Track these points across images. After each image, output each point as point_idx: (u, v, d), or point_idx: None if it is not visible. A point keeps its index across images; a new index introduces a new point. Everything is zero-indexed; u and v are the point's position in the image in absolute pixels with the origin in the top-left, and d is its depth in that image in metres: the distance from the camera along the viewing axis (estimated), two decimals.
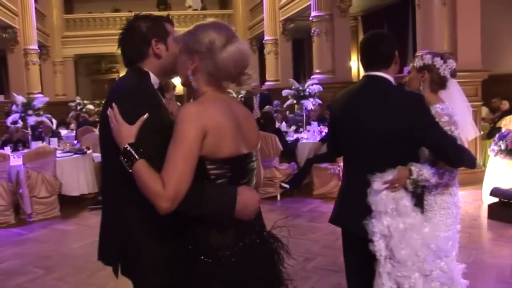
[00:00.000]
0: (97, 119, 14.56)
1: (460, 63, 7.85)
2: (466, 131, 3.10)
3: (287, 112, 12.25)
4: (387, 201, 2.48)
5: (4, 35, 15.33)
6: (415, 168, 2.51)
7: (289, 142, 8.29)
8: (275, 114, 10.47)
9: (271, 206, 7.23)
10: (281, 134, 8.02)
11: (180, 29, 2.02)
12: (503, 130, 6.98)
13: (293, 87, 9.27)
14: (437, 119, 2.61)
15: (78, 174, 7.68)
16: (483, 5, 8.52)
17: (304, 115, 9.28)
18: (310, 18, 13.13)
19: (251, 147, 1.92)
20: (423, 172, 2.52)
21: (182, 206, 1.74)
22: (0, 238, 6.27)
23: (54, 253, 5.61)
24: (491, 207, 6.17)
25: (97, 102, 18.03)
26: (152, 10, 20.62)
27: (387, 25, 15.21)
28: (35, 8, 16.94)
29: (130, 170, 1.78)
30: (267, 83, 17.82)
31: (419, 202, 2.64)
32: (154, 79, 2.04)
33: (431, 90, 2.93)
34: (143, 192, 1.76)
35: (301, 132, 9.12)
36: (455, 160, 2.50)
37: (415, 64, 3.02)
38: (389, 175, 2.47)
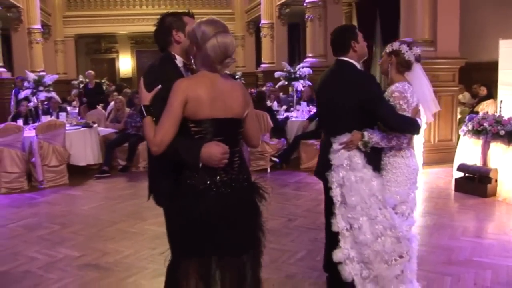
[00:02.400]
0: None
1: (439, 51, 8.61)
2: (428, 106, 3.72)
3: (281, 93, 12.94)
4: (343, 158, 3.24)
5: (8, 14, 15.70)
6: (367, 133, 3.24)
7: (279, 120, 9.01)
8: (270, 95, 11.19)
9: (261, 177, 7.89)
10: (272, 112, 8.74)
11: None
12: (480, 114, 7.60)
13: (285, 69, 9.95)
14: (389, 95, 3.33)
15: (85, 146, 8.35)
16: None
17: (295, 96, 9.96)
18: (304, 4, 13.73)
19: (233, 113, 2.54)
20: (373, 136, 3.24)
21: (167, 151, 2.43)
22: (16, 201, 6.95)
23: (66, 213, 6.32)
24: (457, 181, 6.89)
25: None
26: None
27: (379, 12, 15.74)
28: None
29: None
30: (262, 65, 18.40)
31: (377, 162, 3.36)
32: (179, 59, 2.71)
33: (397, 72, 3.58)
34: (145, 138, 2.51)
35: (291, 111, 9.81)
36: (396, 127, 3.25)
37: (386, 49, 3.70)
38: (345, 137, 3.21)
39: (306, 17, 13.62)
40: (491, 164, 6.55)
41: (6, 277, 4.23)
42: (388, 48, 3.62)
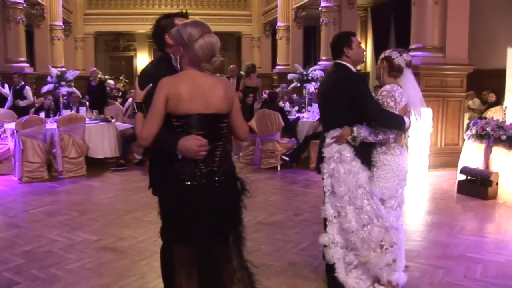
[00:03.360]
0: (116, 94, 15.58)
1: (447, 57, 8.86)
2: (417, 107, 3.99)
3: (295, 94, 13.23)
4: (333, 151, 3.60)
5: (32, 11, 16.23)
6: (356, 128, 3.57)
7: (291, 120, 9.31)
8: (283, 96, 11.53)
9: (271, 175, 8.25)
10: (283, 113, 9.05)
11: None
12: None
13: (298, 71, 10.27)
14: (379, 94, 3.65)
15: (103, 139, 8.72)
16: (475, 5, 9.34)
17: (307, 97, 10.25)
18: (320, 8, 14.01)
19: (214, 109, 2.70)
20: (361, 131, 3.56)
21: (153, 143, 2.68)
22: (37, 189, 7.32)
23: (84, 201, 6.67)
24: (460, 183, 7.13)
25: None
26: None
27: (394, 18, 16.02)
28: None
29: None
30: (277, 67, 18.71)
31: (367, 157, 3.66)
32: (174, 59, 2.96)
33: (389, 75, 3.89)
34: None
35: (303, 112, 10.10)
36: (380, 122, 3.59)
37: (381, 56, 4.01)
38: (336, 132, 3.55)
39: (321, 20, 13.90)
40: (493, 168, 6.78)
41: (30, 256, 4.57)
42: (382, 55, 3.93)
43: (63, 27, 17.98)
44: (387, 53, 3.92)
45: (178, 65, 2.83)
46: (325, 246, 3.72)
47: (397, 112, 3.66)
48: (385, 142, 3.68)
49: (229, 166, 2.84)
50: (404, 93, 3.78)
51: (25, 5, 14.11)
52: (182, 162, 2.69)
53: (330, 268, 3.78)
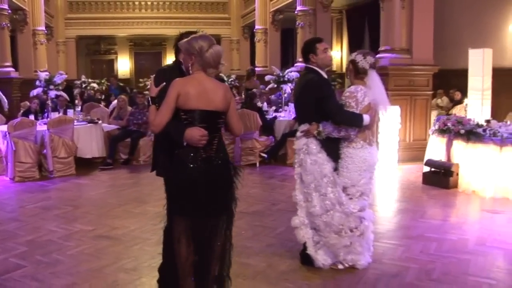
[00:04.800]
0: (99, 97, 15.95)
1: (414, 58, 9.50)
2: (382, 104, 4.50)
3: (273, 95, 13.77)
4: (302, 143, 4.18)
5: (15, 16, 16.40)
6: (322, 124, 4.13)
7: (268, 119, 9.88)
8: (261, 96, 12.05)
9: (251, 170, 8.78)
10: (261, 112, 9.63)
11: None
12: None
13: (275, 73, 10.85)
14: (343, 95, 4.20)
15: (91, 140, 9.19)
16: (441, 9, 9.95)
17: (283, 98, 10.82)
18: (296, 12, 14.59)
19: (214, 107, 3.29)
20: (326, 127, 4.11)
21: (162, 131, 3.24)
22: (30, 188, 7.75)
23: (76, 197, 7.15)
24: (425, 174, 7.75)
25: (97, 81, 19.24)
26: None
27: (368, 20, 16.64)
28: None
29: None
30: (256, 68, 19.20)
31: (333, 150, 4.21)
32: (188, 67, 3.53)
33: (355, 77, 4.39)
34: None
35: (280, 112, 10.66)
36: (340, 121, 4.12)
37: (348, 58, 4.55)
38: (304, 127, 4.10)
39: (297, 24, 14.46)
40: (454, 160, 7.39)
41: (32, 244, 5.03)
42: (349, 58, 4.46)
43: (46, 31, 18.25)
44: (353, 56, 4.40)
45: (186, 70, 3.47)
46: (296, 228, 4.30)
47: (359, 111, 4.18)
48: (348, 137, 4.21)
49: (224, 154, 3.45)
50: (370, 93, 4.27)
51: (9, 11, 14.38)
52: (186, 148, 3.25)
53: (304, 247, 4.36)
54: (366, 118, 4.14)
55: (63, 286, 4.05)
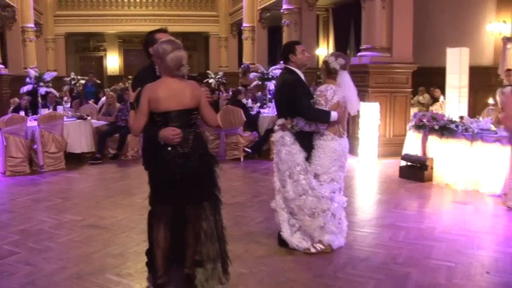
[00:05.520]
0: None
1: (394, 57, 9.84)
2: (352, 103, 4.83)
3: (259, 92, 14.07)
4: (278, 136, 4.53)
5: (3, 13, 16.55)
6: (295, 119, 4.48)
7: (252, 115, 10.18)
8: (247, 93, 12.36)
9: (235, 165, 9.10)
10: (246, 108, 9.94)
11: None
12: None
13: (259, 70, 11.17)
14: (315, 93, 4.53)
15: (80, 135, 9.44)
16: (422, 8, 10.29)
17: (267, 94, 11.14)
18: (281, 10, 14.90)
19: (184, 105, 3.56)
20: (299, 122, 4.45)
21: (143, 133, 3.59)
22: (21, 181, 7.99)
23: (66, 190, 7.42)
24: (401, 168, 8.10)
25: (87, 78, 19.37)
26: None
27: (353, 19, 16.96)
28: None
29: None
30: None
31: (306, 141, 4.54)
32: (157, 68, 3.82)
33: (327, 76, 4.74)
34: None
35: (264, 108, 10.98)
36: (309, 117, 4.48)
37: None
38: (281, 121, 4.43)
39: (283, 22, 14.80)
40: (429, 154, 7.75)
41: (25, 233, 5.31)
42: (323, 59, 4.80)
43: (35, 28, 18.39)
44: (326, 57, 4.78)
45: (158, 72, 3.74)
46: (275, 210, 4.72)
47: (328, 108, 4.52)
48: (318, 131, 4.55)
49: (202, 147, 3.71)
50: (339, 91, 4.61)
51: None
52: (165, 146, 3.54)
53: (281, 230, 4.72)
54: (334, 114, 4.49)
55: (54, 269, 4.33)
